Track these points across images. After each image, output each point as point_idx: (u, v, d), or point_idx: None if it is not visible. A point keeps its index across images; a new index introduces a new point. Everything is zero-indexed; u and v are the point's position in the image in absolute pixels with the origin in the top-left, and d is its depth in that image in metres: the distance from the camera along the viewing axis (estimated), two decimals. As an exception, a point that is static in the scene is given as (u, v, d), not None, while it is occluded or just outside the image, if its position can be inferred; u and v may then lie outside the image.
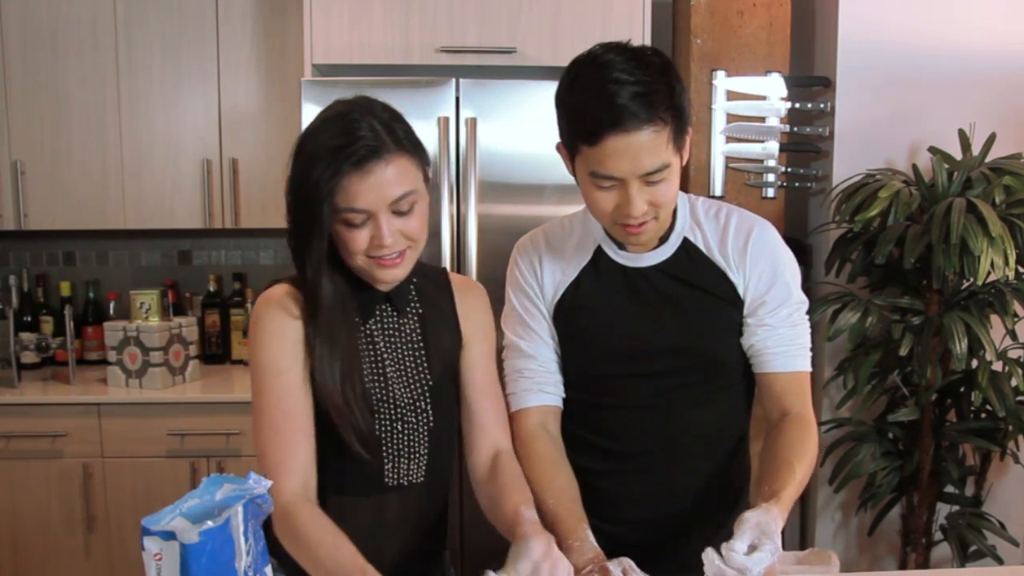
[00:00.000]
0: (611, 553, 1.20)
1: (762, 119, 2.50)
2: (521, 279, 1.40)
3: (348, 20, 2.40)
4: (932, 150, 2.33)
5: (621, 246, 1.35)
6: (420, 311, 1.29)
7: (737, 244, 1.32)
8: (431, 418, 1.26)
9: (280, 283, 1.25)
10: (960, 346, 2.14)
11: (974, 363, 2.23)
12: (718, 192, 2.51)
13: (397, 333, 1.27)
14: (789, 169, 2.56)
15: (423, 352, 1.27)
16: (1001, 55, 2.49)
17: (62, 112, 2.73)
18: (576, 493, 1.31)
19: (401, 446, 1.24)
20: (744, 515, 1.11)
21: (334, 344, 1.18)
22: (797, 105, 2.52)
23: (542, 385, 1.38)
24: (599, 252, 1.37)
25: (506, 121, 2.32)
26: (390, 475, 1.24)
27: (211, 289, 3.00)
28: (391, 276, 1.20)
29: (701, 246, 1.34)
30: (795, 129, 2.54)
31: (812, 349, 1.36)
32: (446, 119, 2.30)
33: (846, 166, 2.48)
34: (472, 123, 2.30)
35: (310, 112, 2.26)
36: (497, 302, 1.44)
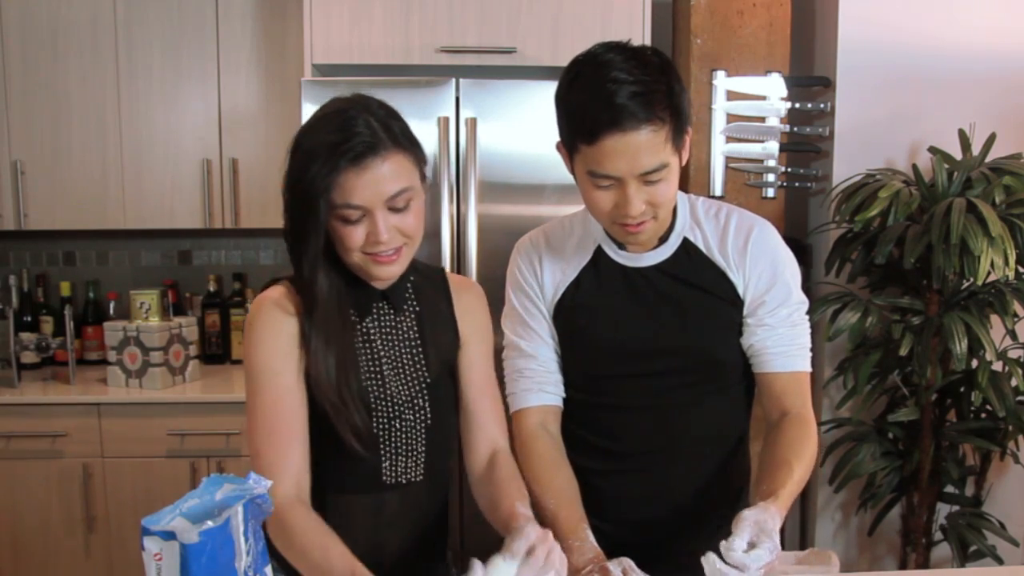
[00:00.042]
0: (611, 553, 1.20)
1: (762, 119, 2.50)
2: (521, 279, 1.40)
3: (348, 20, 2.40)
4: (932, 150, 2.33)
5: (621, 246, 1.35)
6: (417, 309, 1.29)
7: (737, 244, 1.32)
8: (429, 415, 1.26)
9: (277, 284, 1.25)
10: (960, 346, 2.14)
11: (974, 363, 2.23)
12: (718, 192, 2.51)
13: (394, 331, 1.27)
14: (789, 169, 2.56)
15: (420, 350, 1.27)
16: (1001, 55, 2.49)
17: (62, 112, 2.73)
18: (576, 493, 1.31)
19: (399, 444, 1.24)
20: (742, 513, 1.11)
21: (329, 340, 1.18)
22: (797, 105, 2.52)
23: (542, 385, 1.38)
24: (599, 252, 1.37)
25: (506, 121, 2.32)
26: (388, 473, 1.23)
27: (211, 289, 3.00)
28: (387, 273, 1.20)
29: (701, 246, 1.34)
30: (795, 129, 2.54)
31: (812, 349, 1.36)
32: (446, 119, 2.30)
33: (846, 166, 2.48)
34: (472, 123, 2.30)
35: (310, 112, 2.24)
36: (497, 302, 1.44)
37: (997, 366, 2.26)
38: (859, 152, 2.50)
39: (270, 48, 2.75)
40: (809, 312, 1.37)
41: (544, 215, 2.14)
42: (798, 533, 2.74)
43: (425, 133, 2.26)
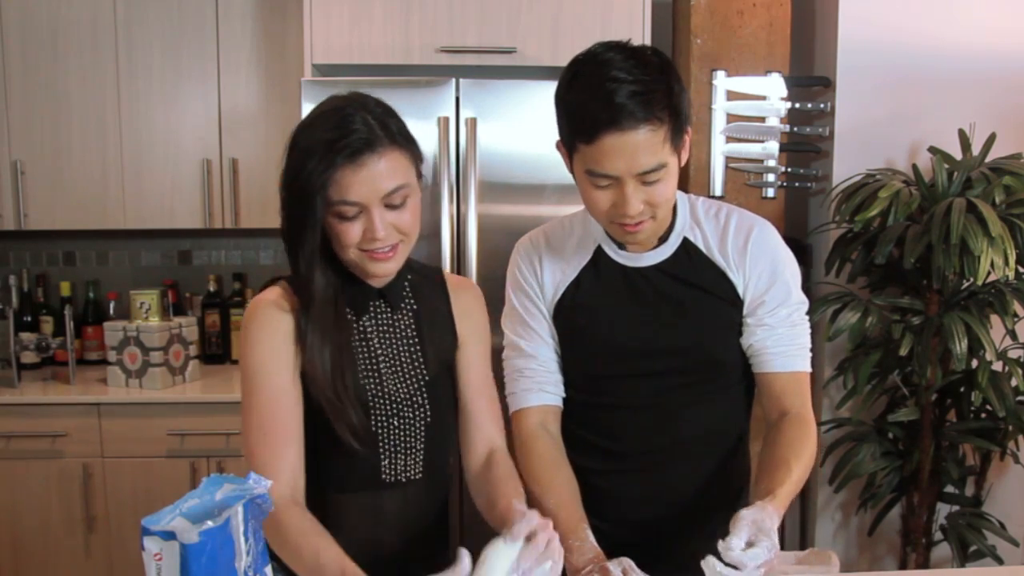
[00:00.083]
0: (611, 553, 1.20)
1: (762, 119, 2.50)
2: (521, 279, 1.40)
3: (348, 20, 2.40)
4: (932, 150, 2.33)
5: (621, 246, 1.35)
6: (415, 307, 1.30)
7: (737, 244, 1.32)
8: (428, 413, 1.26)
9: (274, 285, 1.25)
10: (960, 346, 2.14)
11: (974, 363, 2.23)
12: (718, 192, 2.52)
13: (392, 329, 1.27)
14: (789, 169, 2.56)
15: (419, 348, 1.27)
16: (1001, 55, 2.49)
17: (62, 112, 2.73)
18: (576, 493, 1.31)
19: (397, 441, 1.24)
20: (740, 513, 1.11)
21: (325, 336, 1.18)
22: (797, 105, 2.52)
23: (542, 385, 1.38)
24: (599, 252, 1.37)
25: (506, 121, 2.32)
26: (387, 471, 1.24)
27: (211, 289, 3.00)
28: (383, 270, 1.20)
29: (701, 246, 1.34)
30: (795, 129, 2.54)
31: (812, 349, 1.36)
32: (446, 119, 2.30)
33: (846, 166, 2.48)
34: (472, 123, 2.30)
35: (310, 112, 2.26)
36: (497, 302, 1.44)
37: (997, 366, 2.26)
38: (859, 152, 2.50)
39: (270, 48, 2.75)
40: (809, 312, 1.37)
41: (544, 215, 2.14)
42: (798, 533, 2.74)
43: (425, 133, 2.27)
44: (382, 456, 1.23)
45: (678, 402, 1.35)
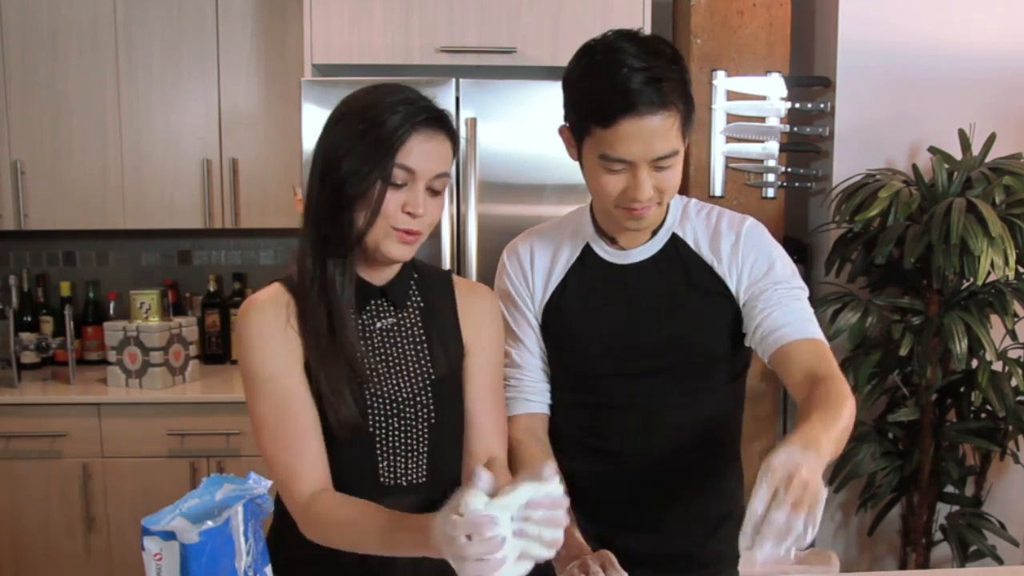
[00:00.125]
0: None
1: (762, 119, 2.50)
2: (509, 286, 1.40)
3: (348, 20, 2.40)
4: (932, 150, 2.33)
5: (612, 241, 1.35)
6: (422, 305, 1.27)
7: (729, 240, 1.32)
8: (433, 414, 1.22)
9: (271, 285, 1.23)
10: (960, 346, 2.14)
11: (974, 363, 2.23)
12: (718, 192, 2.51)
13: (396, 327, 1.24)
14: (789, 169, 2.56)
15: (426, 346, 1.24)
16: (1001, 55, 2.49)
17: (62, 112, 2.73)
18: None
19: (397, 443, 1.21)
20: (771, 461, 0.96)
21: (320, 327, 1.16)
22: (797, 105, 2.52)
23: (527, 394, 1.38)
24: (587, 250, 1.37)
25: (506, 121, 2.32)
26: (386, 475, 1.20)
27: (211, 289, 3.00)
28: (401, 253, 1.17)
29: (690, 242, 1.34)
30: (795, 129, 2.55)
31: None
32: (446, 119, 2.29)
33: (846, 166, 2.48)
34: (472, 123, 2.30)
35: (310, 112, 2.26)
36: (496, 302, 1.44)
37: (997, 366, 2.26)
38: (859, 152, 2.50)
39: (270, 48, 2.75)
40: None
41: (544, 215, 2.14)
42: (798, 533, 2.74)
43: (425, 133, 2.26)
44: (380, 458, 1.20)
45: (669, 402, 1.34)
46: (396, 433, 1.21)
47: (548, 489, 0.92)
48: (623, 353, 1.33)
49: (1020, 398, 2.25)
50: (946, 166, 2.28)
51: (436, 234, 2.30)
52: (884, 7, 2.48)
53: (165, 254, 3.13)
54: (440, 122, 1.16)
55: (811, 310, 1.31)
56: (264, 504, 0.95)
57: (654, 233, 1.34)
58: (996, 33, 2.49)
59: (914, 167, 2.37)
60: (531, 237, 1.43)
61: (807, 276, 2.56)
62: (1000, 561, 2.33)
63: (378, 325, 1.23)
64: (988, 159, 2.29)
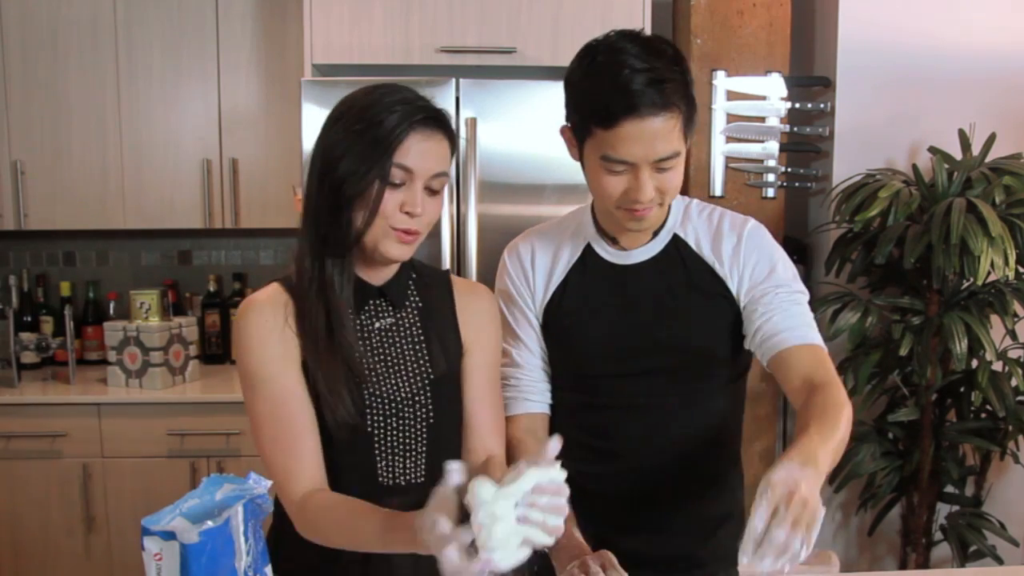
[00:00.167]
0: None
1: (762, 119, 2.50)
2: (510, 285, 1.40)
3: (348, 20, 2.40)
4: (932, 150, 2.33)
5: (613, 241, 1.35)
6: (421, 305, 1.27)
7: (731, 241, 1.32)
8: (431, 413, 1.23)
9: (270, 285, 1.22)
10: (960, 346, 2.14)
11: (974, 363, 2.23)
12: (718, 192, 2.51)
13: (394, 327, 1.24)
14: (789, 169, 2.56)
15: (424, 346, 1.24)
16: (1001, 55, 2.49)
17: (62, 112, 2.73)
18: None
19: (395, 443, 1.21)
20: (771, 477, 0.95)
21: (318, 324, 1.16)
22: (797, 105, 2.52)
23: (527, 394, 1.38)
24: (588, 250, 1.37)
25: (506, 121, 2.32)
26: (384, 474, 1.20)
27: (211, 289, 3.00)
28: (400, 252, 1.17)
29: (691, 243, 1.34)
30: (795, 129, 2.55)
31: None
32: (446, 119, 2.30)
33: (846, 166, 2.48)
34: (472, 123, 2.30)
35: (310, 112, 2.26)
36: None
37: (997, 366, 2.26)
38: (859, 152, 2.50)
39: (270, 48, 2.75)
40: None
41: (544, 215, 2.14)
42: (798, 533, 2.74)
43: (425, 133, 2.26)
44: (378, 458, 1.20)
45: (670, 402, 1.34)
46: (395, 433, 1.21)
47: (552, 474, 0.91)
48: (624, 353, 1.33)
49: (1020, 398, 2.25)
50: (946, 166, 2.29)
51: (436, 234, 2.30)
52: (884, 7, 2.48)
53: (165, 254, 3.13)
54: (438, 121, 1.16)
55: (811, 315, 1.31)
56: (264, 504, 0.95)
57: (655, 234, 1.33)
58: (996, 33, 2.49)
59: (914, 167, 2.37)
60: (532, 237, 1.42)
61: (807, 276, 2.56)
62: (1000, 561, 2.33)
63: (376, 325, 1.23)
64: (988, 159, 2.29)
